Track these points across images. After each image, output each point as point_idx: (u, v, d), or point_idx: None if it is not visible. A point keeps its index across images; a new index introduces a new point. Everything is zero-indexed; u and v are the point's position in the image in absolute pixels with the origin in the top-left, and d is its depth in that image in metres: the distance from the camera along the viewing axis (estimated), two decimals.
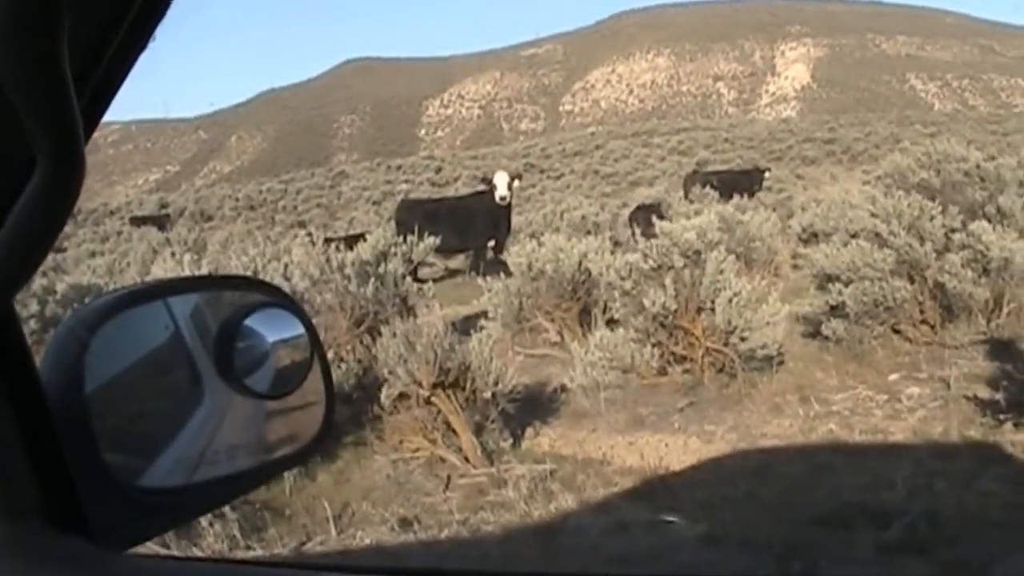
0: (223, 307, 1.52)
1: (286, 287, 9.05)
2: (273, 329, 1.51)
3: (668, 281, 8.65)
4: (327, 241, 13.16)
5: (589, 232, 20.12)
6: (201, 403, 1.44)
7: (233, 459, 1.47)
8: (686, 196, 29.80)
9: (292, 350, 1.55)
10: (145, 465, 1.32)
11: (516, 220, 21.16)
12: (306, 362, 1.56)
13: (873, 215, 9.42)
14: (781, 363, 8.94)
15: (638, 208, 23.20)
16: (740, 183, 29.25)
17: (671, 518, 5.86)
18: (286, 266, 9.38)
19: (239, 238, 27.84)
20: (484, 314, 11.57)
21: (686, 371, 8.84)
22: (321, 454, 7.60)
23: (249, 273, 9.16)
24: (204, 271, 8.74)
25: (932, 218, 9.08)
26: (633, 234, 17.91)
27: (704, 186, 28.30)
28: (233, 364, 1.45)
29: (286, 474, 6.92)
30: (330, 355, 8.01)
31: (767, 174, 32.67)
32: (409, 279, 10.86)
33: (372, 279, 9.90)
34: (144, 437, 1.39)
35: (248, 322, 1.48)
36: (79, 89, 1.02)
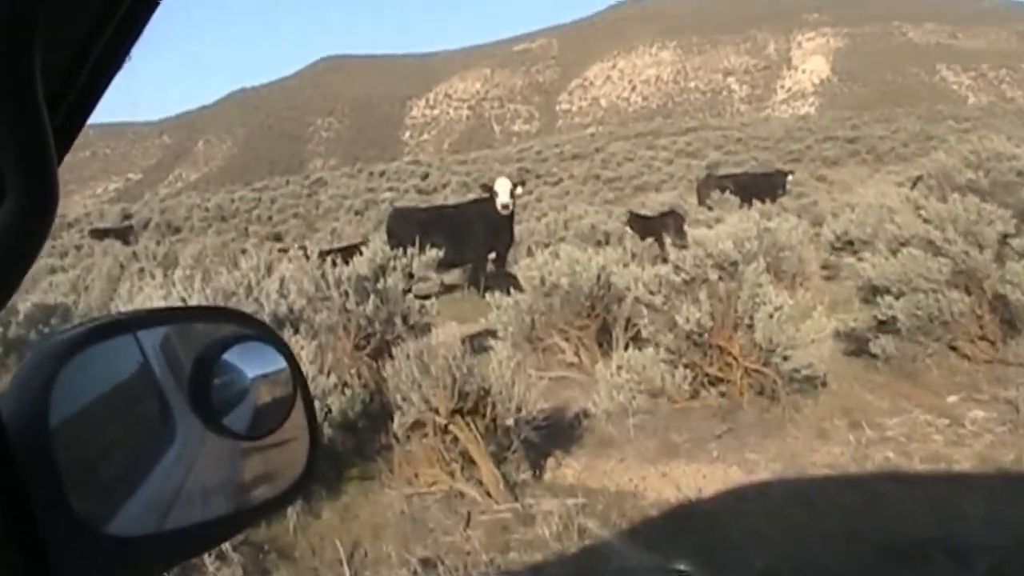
0: (198, 340, 1.49)
1: (282, 305, 9.00)
2: (253, 364, 1.49)
3: (702, 295, 8.61)
4: (323, 254, 13.09)
5: (600, 242, 20.15)
6: (173, 443, 1.41)
7: (208, 504, 1.45)
8: (700, 202, 29.82)
9: (273, 386, 1.53)
10: (114, 509, 1.29)
11: (516, 230, 21.12)
12: (288, 399, 1.54)
13: (925, 220, 9.39)
14: (825, 384, 8.90)
15: (661, 215, 23.13)
16: (760, 187, 29.26)
17: (682, 567, 5.82)
18: (282, 281, 9.32)
19: (213, 251, 27.80)
20: (491, 333, 11.53)
21: (722, 394, 8.80)
22: (322, 489, 7.54)
23: (242, 290, 9.11)
24: (196, 289, 8.67)
25: (990, 223, 9.05)
26: (661, 244, 17.90)
27: (722, 191, 28.31)
28: (209, 401, 1.43)
29: (289, 511, 6.86)
30: (332, 380, 7.95)
31: (790, 177, 32.65)
32: (411, 295, 10.82)
33: (372, 296, 9.86)
34: (113, 479, 1.36)
35: (226, 356, 1.46)
36: (54, 108, 1.04)
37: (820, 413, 8.48)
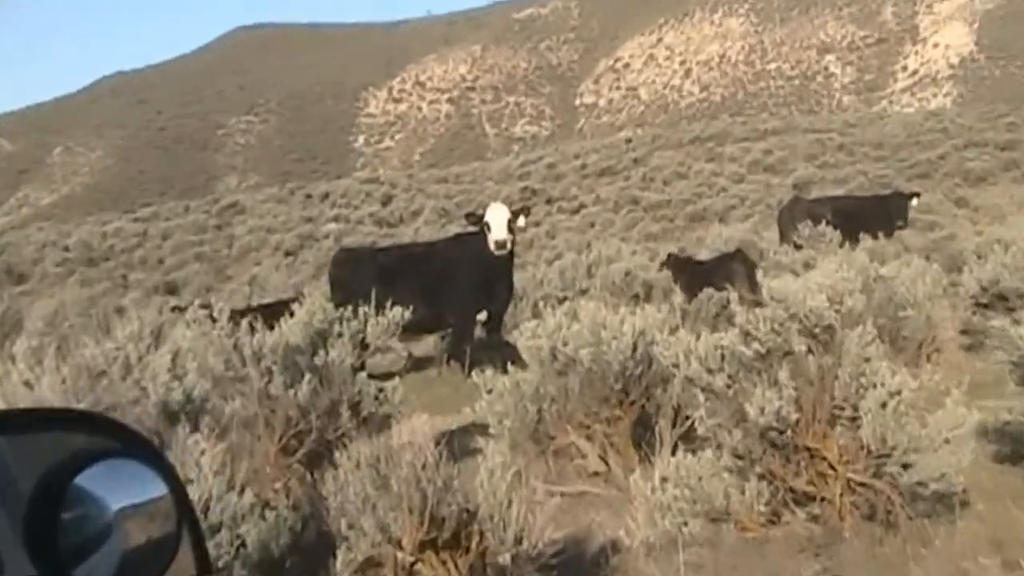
0: (41, 457, 1.48)
1: (176, 391, 9.04)
2: (119, 490, 1.48)
3: (784, 375, 8.65)
4: (238, 314, 13.15)
5: (638, 297, 20.22)
6: None
7: None
8: (784, 237, 29.90)
9: (148, 521, 1.52)
10: None
11: (516, 279, 21.06)
12: (170, 538, 1.54)
13: None
14: (966, 504, 8.92)
15: (720, 259, 23.15)
16: (872, 215, 29.38)
17: None
18: (176, 355, 9.36)
19: (75, 310, 27.86)
20: (480, 428, 11.55)
21: (814, 517, 8.82)
22: None
23: (117, 368, 9.14)
24: (47, 368, 8.70)
25: None
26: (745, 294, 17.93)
27: (815, 221, 28.40)
28: (53, 545, 1.42)
29: None
30: (248, 499, 7.97)
31: (914, 201, 32.73)
32: (364, 375, 10.86)
33: (307, 375, 9.90)
34: None
35: (80, 481, 1.46)
36: None
37: (960, 547, 8.49)
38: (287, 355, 10.22)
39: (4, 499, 1.39)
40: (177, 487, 1.54)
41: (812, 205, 31.91)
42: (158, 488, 1.52)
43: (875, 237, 26.07)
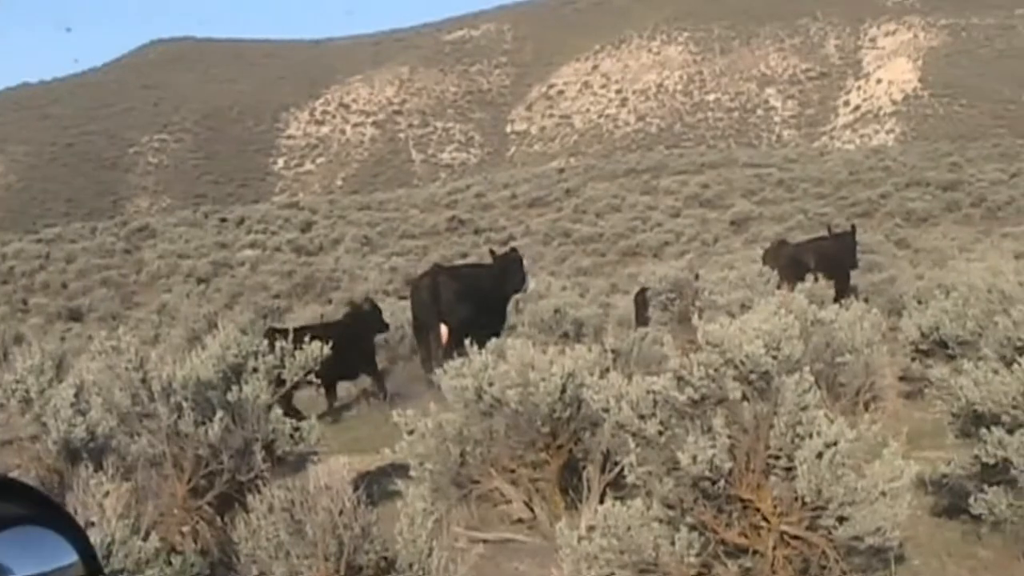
0: None
1: (79, 427, 8.96)
2: (25, 558, 1.46)
3: (718, 422, 8.69)
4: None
5: (568, 335, 20.27)
6: None
7: None
8: (785, 283, 29.53)
9: None
10: None
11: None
12: None
13: None
14: (902, 559, 8.99)
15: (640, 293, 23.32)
16: (843, 255, 29.42)
17: None
18: (80, 388, 9.28)
19: None
20: (402, 470, 11.52)
21: (746, 571, 8.86)
22: None
23: (15, 402, 9.06)
24: None
25: None
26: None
27: (801, 266, 28.12)
28: None
29: None
30: (153, 543, 7.91)
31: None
32: (279, 412, 10.81)
33: (219, 412, 9.84)
34: None
35: None
36: None
37: None
38: (198, 390, 10.14)
39: None
40: (88, 554, 1.53)
41: (797, 250, 31.77)
42: (68, 555, 1.51)
43: (848, 278, 26.35)
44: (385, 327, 22.35)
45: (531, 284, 24.25)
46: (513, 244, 57.54)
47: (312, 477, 8.64)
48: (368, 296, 26.28)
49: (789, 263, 28.53)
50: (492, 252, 24.86)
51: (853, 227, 32.68)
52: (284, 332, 21.73)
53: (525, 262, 24.05)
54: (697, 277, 26.83)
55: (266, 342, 12.29)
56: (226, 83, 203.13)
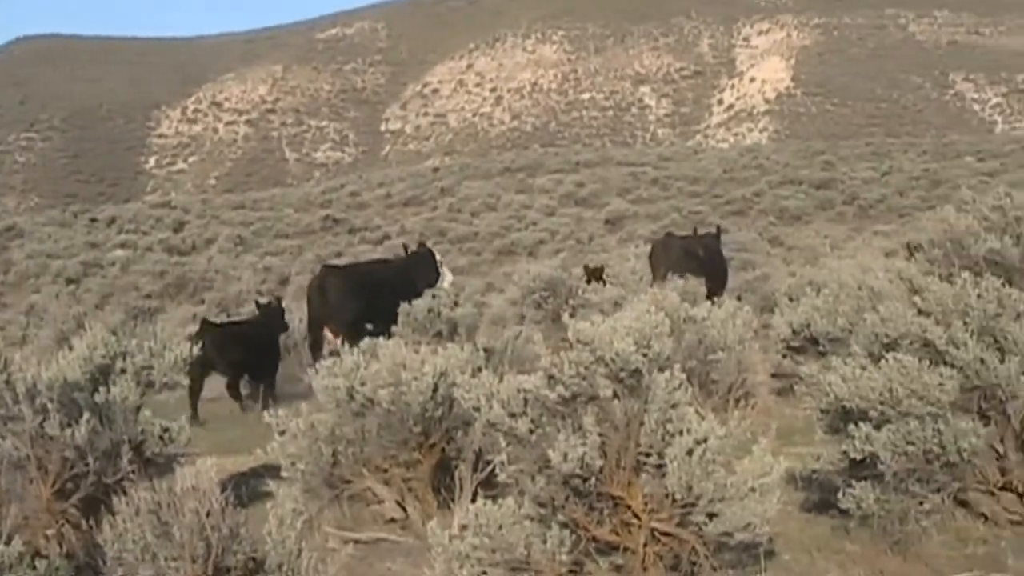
0: None
1: None
2: None
3: (589, 421, 8.71)
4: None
5: (441, 334, 20.24)
6: None
7: None
8: (656, 278, 29.37)
9: None
10: None
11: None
12: None
13: (923, 312, 9.67)
14: (772, 555, 9.05)
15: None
16: (718, 250, 29.57)
17: None
18: None
19: None
20: (273, 471, 11.45)
21: (617, 568, 8.88)
22: None
23: None
24: None
25: (1019, 316, 9.34)
26: None
27: (690, 259, 28.04)
28: None
29: None
30: (16, 547, 7.80)
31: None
32: (148, 413, 10.70)
33: (86, 414, 9.71)
34: None
35: None
36: None
37: None
38: (65, 392, 10.01)
39: None
40: None
41: (687, 242, 31.61)
42: None
43: (726, 274, 26.67)
44: (286, 327, 22.51)
45: (449, 277, 24.30)
46: (389, 243, 57.63)
47: (180, 479, 8.57)
48: (277, 295, 26.25)
49: (682, 255, 28.58)
50: (405, 247, 24.97)
51: (719, 228, 32.78)
52: (219, 326, 21.97)
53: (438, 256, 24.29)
54: (597, 276, 26.85)
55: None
56: (95, 81, 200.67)
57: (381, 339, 12.95)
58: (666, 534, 8.74)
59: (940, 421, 9.24)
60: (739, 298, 20.94)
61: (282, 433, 11.23)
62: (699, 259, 27.85)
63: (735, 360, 15.85)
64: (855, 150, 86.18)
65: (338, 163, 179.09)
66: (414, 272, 22.98)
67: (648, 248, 30.96)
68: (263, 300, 23.90)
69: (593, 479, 8.74)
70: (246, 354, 20.66)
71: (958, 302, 9.63)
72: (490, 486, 9.94)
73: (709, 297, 20.40)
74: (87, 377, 10.55)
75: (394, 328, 19.98)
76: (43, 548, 8.36)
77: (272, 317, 21.75)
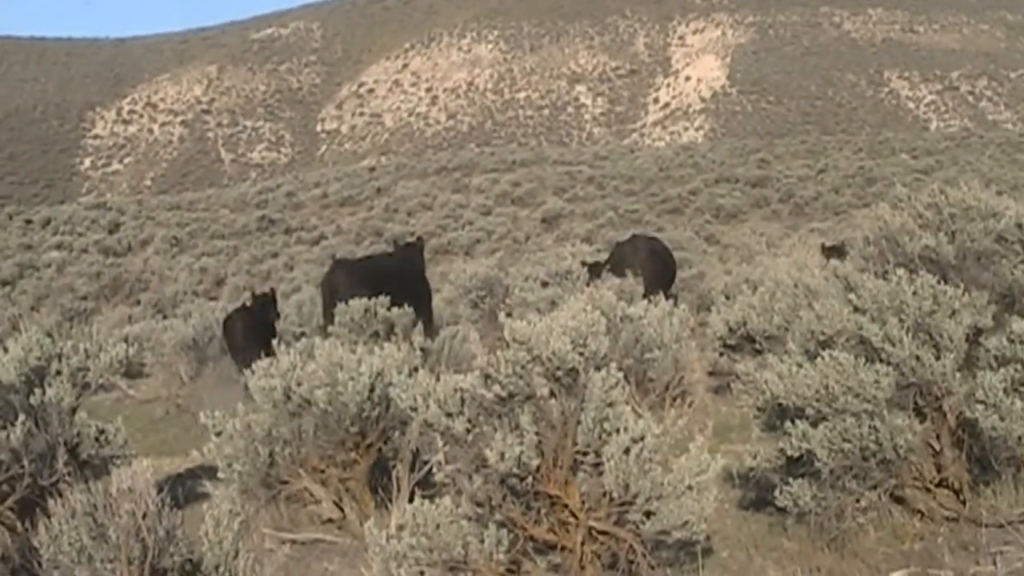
0: None
1: None
2: None
3: (526, 419, 8.71)
4: None
5: (378, 334, 20.19)
6: None
7: None
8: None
9: None
10: None
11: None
12: None
13: (858, 308, 9.71)
14: (709, 552, 9.07)
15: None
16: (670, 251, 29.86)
17: None
18: None
19: None
20: (210, 472, 11.40)
21: (555, 567, 8.88)
22: None
23: None
24: None
25: (954, 313, 9.40)
26: None
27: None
28: None
29: None
30: None
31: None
32: (84, 415, 10.64)
33: (21, 416, 9.65)
34: None
35: None
36: None
37: None
38: None
39: None
40: None
41: (652, 243, 31.17)
42: None
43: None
44: (277, 316, 22.65)
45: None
46: (325, 243, 57.52)
47: (116, 480, 8.51)
48: (271, 287, 25.97)
49: (649, 256, 28.65)
50: (395, 243, 25.52)
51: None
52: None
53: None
54: (597, 273, 27.06)
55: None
56: (28, 82, 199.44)
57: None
58: (603, 533, 8.75)
59: (876, 418, 9.28)
60: (675, 296, 21.01)
61: (218, 434, 11.17)
62: (664, 261, 28.09)
63: (672, 358, 15.91)
64: (790, 148, 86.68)
65: (274, 163, 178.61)
66: (420, 263, 23.11)
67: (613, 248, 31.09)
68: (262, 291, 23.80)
69: (530, 478, 8.74)
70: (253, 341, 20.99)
71: (893, 299, 9.67)
72: (427, 486, 9.94)
73: (646, 296, 20.45)
74: (22, 379, 10.48)
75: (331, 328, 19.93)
76: None
77: (270, 308, 22.04)
